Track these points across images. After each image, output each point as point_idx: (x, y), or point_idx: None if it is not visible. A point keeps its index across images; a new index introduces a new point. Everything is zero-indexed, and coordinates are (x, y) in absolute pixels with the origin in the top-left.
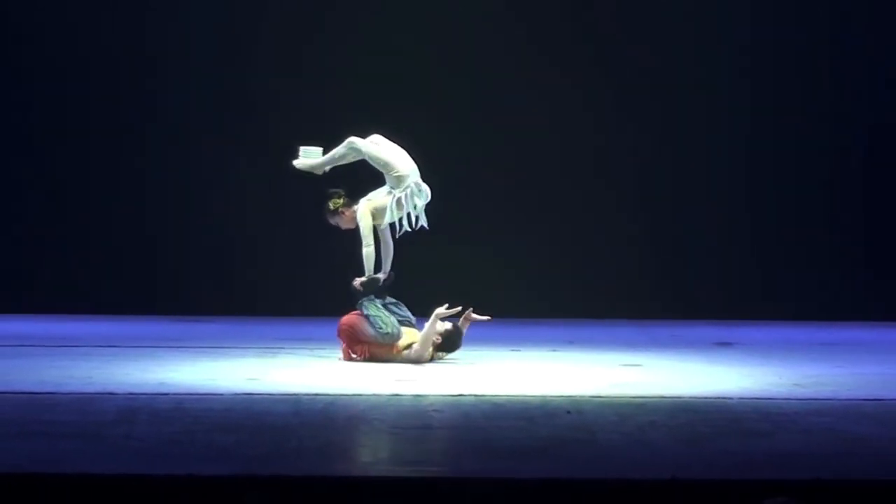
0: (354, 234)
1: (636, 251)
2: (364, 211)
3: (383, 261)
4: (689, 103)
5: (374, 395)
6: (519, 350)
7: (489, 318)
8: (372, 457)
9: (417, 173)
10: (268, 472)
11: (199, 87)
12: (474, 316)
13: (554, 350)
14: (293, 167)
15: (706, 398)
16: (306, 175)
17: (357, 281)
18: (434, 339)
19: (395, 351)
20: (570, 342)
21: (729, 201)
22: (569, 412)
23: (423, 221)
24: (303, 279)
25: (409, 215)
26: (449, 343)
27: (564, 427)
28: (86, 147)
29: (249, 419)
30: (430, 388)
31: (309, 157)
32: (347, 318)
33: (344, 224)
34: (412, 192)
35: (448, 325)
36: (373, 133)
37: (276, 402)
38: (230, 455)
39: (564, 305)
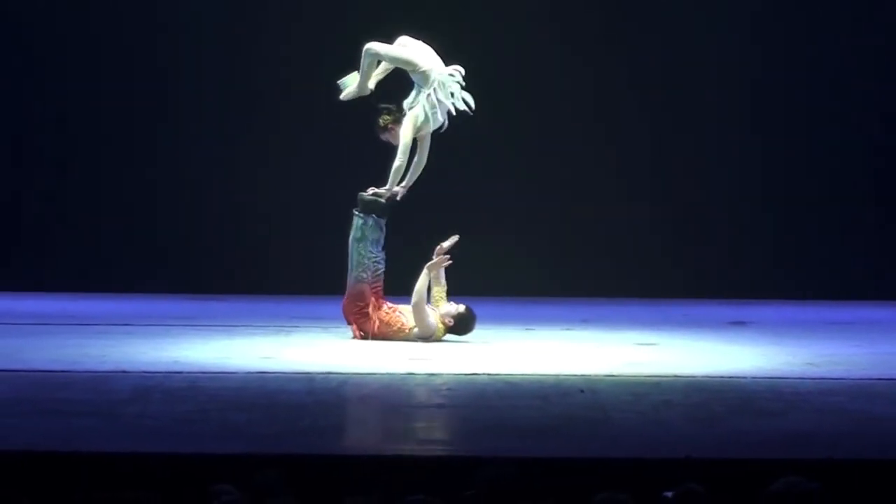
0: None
1: (650, 230)
2: (408, 126)
3: (409, 174)
4: (702, 85)
5: (388, 373)
6: (532, 329)
7: (456, 238)
8: (385, 436)
9: (442, 64)
10: (281, 451)
11: (210, 61)
12: (444, 245)
13: (568, 329)
14: (341, 100)
15: (720, 377)
16: (357, 100)
17: (370, 190)
18: (447, 321)
19: (406, 331)
20: (584, 321)
21: (743, 179)
22: (583, 391)
23: (469, 101)
24: (317, 257)
25: (447, 108)
26: (462, 326)
27: (578, 406)
28: (98, 126)
29: (263, 398)
30: (444, 367)
31: (348, 86)
32: (345, 299)
33: (395, 140)
34: (441, 83)
35: (461, 308)
36: (401, 35)
37: (290, 380)
38: (244, 433)
39: (578, 284)
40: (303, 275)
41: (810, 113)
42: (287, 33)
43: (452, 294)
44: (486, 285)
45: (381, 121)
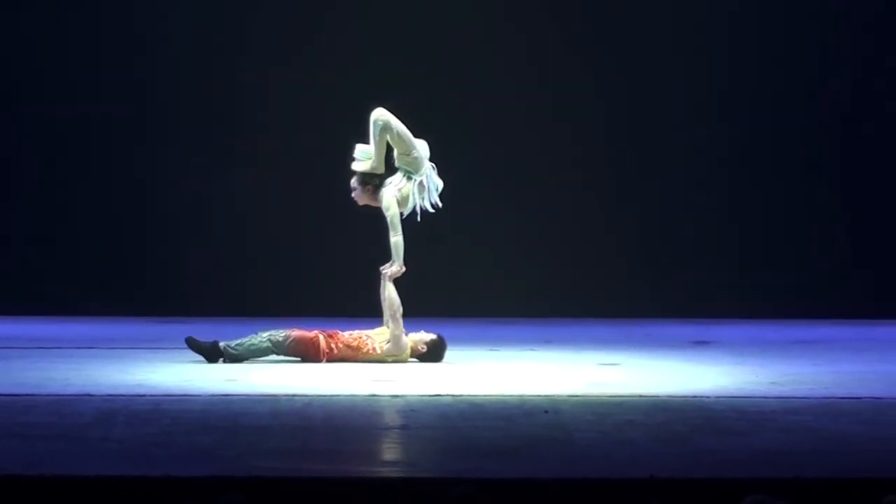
0: (334, 226)
1: (613, 250)
2: (391, 199)
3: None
4: (671, 105)
5: (352, 395)
6: (496, 349)
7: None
8: (350, 457)
9: (428, 152)
10: (246, 473)
11: (190, 84)
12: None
13: (531, 349)
14: (354, 170)
15: (683, 397)
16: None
17: (388, 271)
18: (420, 348)
19: (375, 353)
20: (548, 341)
21: (706, 200)
22: (546, 412)
23: (437, 200)
24: (282, 279)
25: (428, 197)
26: (435, 353)
27: (542, 426)
28: (71, 149)
29: (227, 420)
30: (408, 389)
31: (366, 158)
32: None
33: (360, 198)
34: (429, 172)
35: (433, 336)
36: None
37: (254, 402)
38: (208, 456)
39: (541, 305)
40: (267, 297)
41: (775, 134)
42: (272, 57)
43: (417, 314)
44: (450, 306)
45: (364, 176)
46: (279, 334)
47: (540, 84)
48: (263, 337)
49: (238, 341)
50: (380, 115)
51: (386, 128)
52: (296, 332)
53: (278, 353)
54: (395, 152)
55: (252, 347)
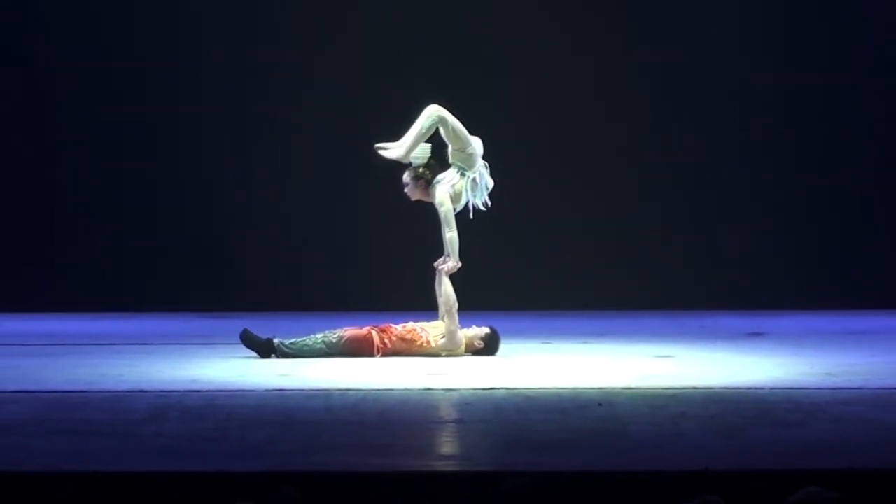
0: (375, 222)
1: (666, 242)
2: (444, 195)
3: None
4: (715, 92)
5: (406, 389)
6: (550, 342)
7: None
8: (404, 451)
9: (482, 149)
10: (300, 468)
11: (225, 79)
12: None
13: (585, 342)
14: (378, 154)
15: (738, 389)
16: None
17: (444, 267)
18: (476, 343)
19: (429, 346)
20: (601, 334)
21: (759, 190)
22: (600, 404)
23: (487, 198)
24: (332, 275)
25: (480, 195)
26: (491, 346)
27: (596, 419)
28: (116, 144)
29: (281, 415)
30: (462, 382)
31: (422, 156)
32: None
33: (413, 193)
34: (482, 169)
35: (486, 329)
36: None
37: (308, 397)
38: (262, 451)
39: (595, 297)
40: (319, 292)
41: (823, 123)
42: (302, 52)
43: (471, 308)
44: (504, 299)
45: (420, 169)
46: (332, 335)
47: (589, 79)
48: (318, 338)
49: (292, 340)
50: (435, 110)
51: (442, 123)
52: (349, 332)
53: (332, 354)
54: (450, 148)
55: (305, 348)
